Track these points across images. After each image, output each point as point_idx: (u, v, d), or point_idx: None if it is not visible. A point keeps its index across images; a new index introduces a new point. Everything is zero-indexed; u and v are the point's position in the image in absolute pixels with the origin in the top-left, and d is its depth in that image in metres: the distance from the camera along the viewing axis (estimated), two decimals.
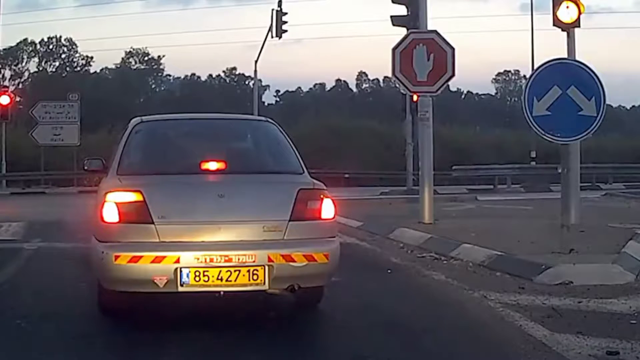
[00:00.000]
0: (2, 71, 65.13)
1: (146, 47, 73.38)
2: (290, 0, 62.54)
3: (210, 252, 5.61)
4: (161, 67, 76.15)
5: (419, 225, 12.32)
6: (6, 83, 58.41)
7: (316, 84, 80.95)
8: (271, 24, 29.97)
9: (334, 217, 6.06)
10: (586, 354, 5.15)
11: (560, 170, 9.41)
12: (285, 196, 5.90)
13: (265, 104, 63.86)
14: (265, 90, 68.60)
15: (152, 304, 6.13)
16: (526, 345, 5.42)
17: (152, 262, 5.57)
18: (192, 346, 5.42)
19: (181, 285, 5.59)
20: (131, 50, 72.94)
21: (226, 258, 5.62)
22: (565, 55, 11.30)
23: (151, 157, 6.64)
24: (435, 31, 12.79)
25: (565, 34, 11.81)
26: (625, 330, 5.78)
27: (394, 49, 12.55)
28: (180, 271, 5.57)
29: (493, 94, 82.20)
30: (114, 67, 73.74)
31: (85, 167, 7.13)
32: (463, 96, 77.11)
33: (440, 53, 12.43)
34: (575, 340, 5.46)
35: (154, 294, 5.76)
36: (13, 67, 65.88)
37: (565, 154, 9.37)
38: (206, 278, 5.60)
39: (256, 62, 33.97)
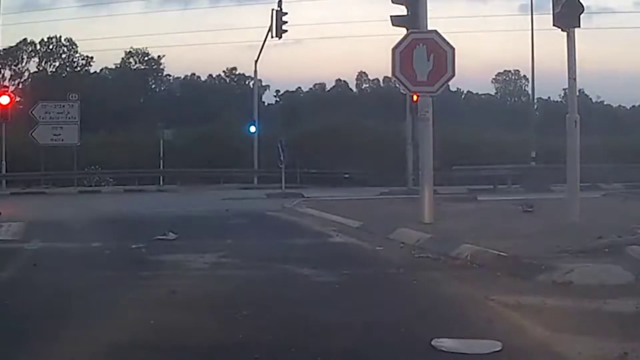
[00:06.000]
0: (2, 71, 65.03)
1: (146, 47, 73.22)
2: (290, 0, 62.43)
3: None
4: (161, 67, 76.04)
5: (419, 225, 12.31)
6: (6, 83, 58.34)
7: (316, 84, 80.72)
8: (271, 24, 30.03)
9: None
10: (587, 354, 5.15)
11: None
12: None
13: (265, 104, 63.74)
14: (265, 90, 68.41)
15: (152, 305, 6.13)
16: (526, 345, 5.41)
17: None
18: (191, 350, 5.42)
19: None
20: (131, 50, 72.86)
21: None
22: (565, 56, 11.30)
23: None
24: (435, 31, 12.80)
25: (565, 34, 11.81)
26: (626, 330, 5.78)
27: (394, 49, 12.56)
28: None
29: (493, 94, 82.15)
30: (114, 67, 73.70)
31: None
32: (463, 96, 77.00)
33: (440, 53, 12.44)
34: (575, 340, 5.46)
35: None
36: (13, 67, 65.78)
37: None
38: None
39: (256, 62, 34.05)
